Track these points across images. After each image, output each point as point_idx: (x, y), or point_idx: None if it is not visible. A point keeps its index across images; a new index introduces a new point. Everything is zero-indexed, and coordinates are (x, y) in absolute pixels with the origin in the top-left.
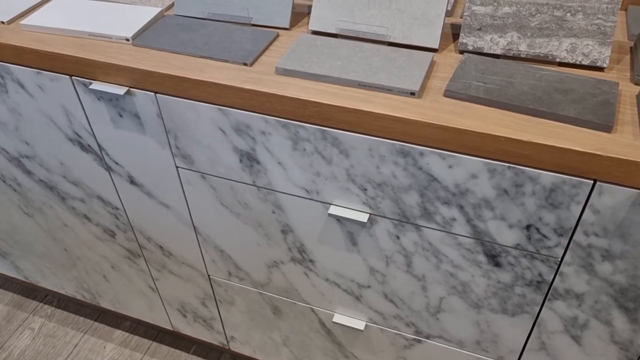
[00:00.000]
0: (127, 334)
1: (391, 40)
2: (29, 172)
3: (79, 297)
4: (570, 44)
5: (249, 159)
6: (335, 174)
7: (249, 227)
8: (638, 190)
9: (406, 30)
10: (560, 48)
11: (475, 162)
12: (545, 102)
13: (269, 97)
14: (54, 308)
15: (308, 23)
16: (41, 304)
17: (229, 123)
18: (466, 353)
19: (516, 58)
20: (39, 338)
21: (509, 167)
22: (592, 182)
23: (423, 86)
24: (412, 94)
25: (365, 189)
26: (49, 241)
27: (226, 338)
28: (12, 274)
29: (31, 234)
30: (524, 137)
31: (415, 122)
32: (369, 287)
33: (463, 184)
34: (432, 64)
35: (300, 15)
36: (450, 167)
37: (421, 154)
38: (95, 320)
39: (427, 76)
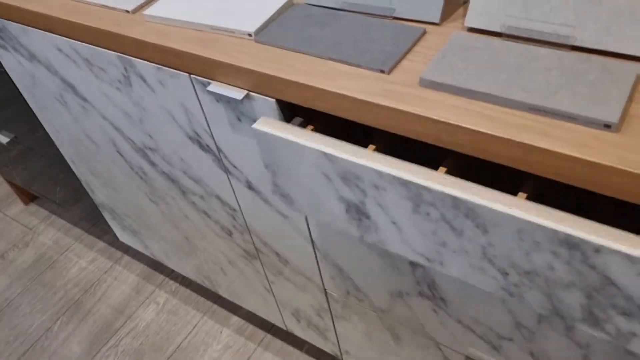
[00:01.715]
0: (243, 321)
1: (579, 44)
2: (152, 164)
3: (199, 282)
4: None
5: (357, 212)
6: (467, 250)
7: (373, 253)
8: None
9: (602, 30)
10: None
11: None
12: None
13: (409, 117)
14: (178, 284)
15: (464, 16)
16: (167, 279)
17: (336, 171)
18: None
19: None
20: (162, 314)
21: None
22: None
23: (624, 115)
24: (608, 126)
25: (507, 274)
26: (172, 228)
27: (340, 350)
28: (141, 249)
29: (156, 219)
30: None
31: (607, 167)
32: (511, 340)
33: None
34: (638, 81)
35: (454, 5)
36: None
37: (596, 250)
38: (215, 303)
39: (631, 99)
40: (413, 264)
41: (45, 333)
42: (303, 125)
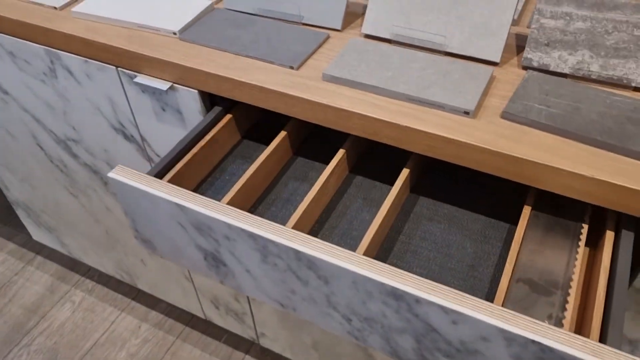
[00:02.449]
0: (162, 315)
1: (448, 50)
2: (74, 155)
3: (117, 277)
4: None
5: (214, 259)
6: (314, 297)
7: None
8: None
9: (465, 40)
10: (637, 72)
11: (486, 325)
12: (616, 133)
13: (313, 105)
14: (95, 283)
15: (361, 25)
16: (83, 277)
17: (189, 220)
18: None
19: (586, 79)
20: (78, 312)
21: (533, 341)
22: None
23: (479, 105)
24: (467, 113)
25: (350, 320)
26: (91, 222)
27: (256, 333)
28: (57, 247)
29: (75, 213)
30: (587, 173)
31: (467, 144)
32: None
33: (470, 343)
34: (491, 79)
35: (353, 15)
36: (454, 322)
37: (417, 301)
38: (133, 299)
39: (485, 93)
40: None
41: None
42: (221, 114)
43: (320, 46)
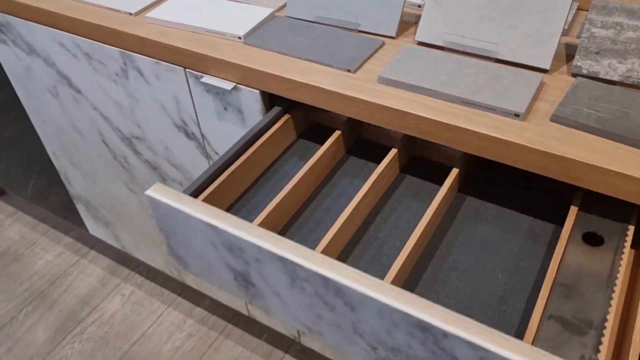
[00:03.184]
0: (206, 312)
1: (499, 57)
2: (137, 152)
3: (167, 272)
4: None
5: (244, 280)
6: (340, 324)
7: None
8: None
9: (516, 48)
10: None
11: None
12: None
13: (370, 106)
14: (143, 278)
15: (415, 33)
16: (133, 272)
17: (221, 241)
18: None
19: (635, 87)
20: (128, 304)
21: None
22: None
23: (529, 108)
24: (517, 115)
25: (376, 348)
26: (147, 217)
27: (298, 331)
28: (111, 242)
29: (132, 209)
30: (636, 174)
31: (516, 145)
32: None
33: None
34: (541, 85)
35: (407, 24)
36: (481, 359)
37: (444, 335)
38: (179, 295)
39: (535, 98)
40: None
41: (10, 321)
42: (281, 114)
43: (375, 52)
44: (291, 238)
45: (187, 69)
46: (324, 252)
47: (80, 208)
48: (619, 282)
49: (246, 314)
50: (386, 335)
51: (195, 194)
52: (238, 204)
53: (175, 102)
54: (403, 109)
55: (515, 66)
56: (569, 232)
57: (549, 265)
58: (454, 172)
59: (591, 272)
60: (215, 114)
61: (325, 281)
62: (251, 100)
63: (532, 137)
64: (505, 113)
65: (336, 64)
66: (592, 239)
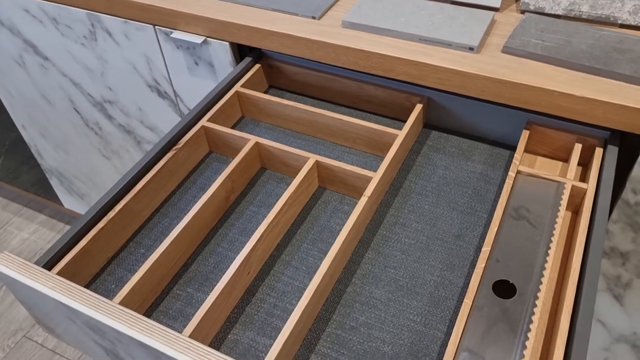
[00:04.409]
0: None
1: None
2: (110, 117)
3: None
4: (634, 5)
5: (116, 357)
6: None
7: None
8: None
9: None
10: (622, 9)
11: None
12: (602, 60)
13: (335, 49)
14: None
15: None
16: None
17: (82, 321)
18: None
19: (577, 19)
20: None
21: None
22: None
23: (482, 42)
24: (471, 49)
25: None
26: None
27: None
28: None
29: (108, 176)
30: (577, 92)
31: (472, 75)
32: None
33: None
34: (493, 22)
35: None
36: None
37: None
38: None
39: (487, 33)
40: None
41: None
42: (250, 65)
43: (338, 0)
44: (173, 302)
45: (156, 26)
46: (201, 324)
47: (53, 182)
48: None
49: None
50: None
51: (55, 259)
52: (121, 255)
53: (146, 61)
54: (367, 49)
55: (470, 7)
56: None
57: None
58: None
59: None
60: (186, 70)
61: None
62: (221, 53)
63: (485, 67)
64: (461, 47)
65: (302, 12)
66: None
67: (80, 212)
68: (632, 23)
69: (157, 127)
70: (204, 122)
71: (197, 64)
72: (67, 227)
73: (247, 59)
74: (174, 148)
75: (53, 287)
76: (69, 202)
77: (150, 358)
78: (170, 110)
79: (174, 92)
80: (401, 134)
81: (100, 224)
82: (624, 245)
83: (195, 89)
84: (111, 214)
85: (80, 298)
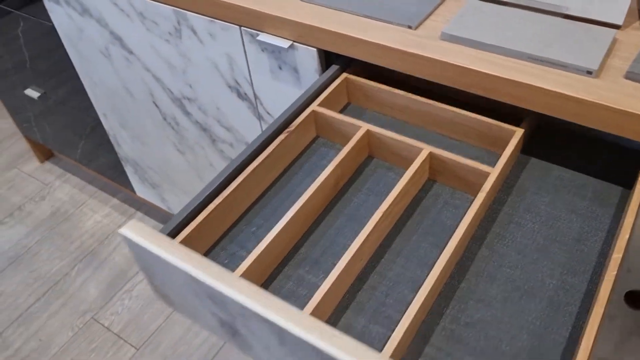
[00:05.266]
0: None
1: (568, 12)
2: (187, 113)
3: None
4: None
5: (231, 328)
6: None
7: None
8: None
9: (587, 2)
10: None
11: None
12: None
13: (432, 63)
14: None
15: None
16: None
17: (204, 292)
18: None
19: None
20: None
21: None
22: None
23: (602, 65)
24: (589, 72)
25: None
26: (194, 178)
27: None
28: (158, 203)
29: (180, 170)
30: None
31: (589, 102)
32: None
33: None
34: (614, 41)
35: None
36: None
37: None
38: None
39: (607, 55)
40: None
41: (64, 277)
42: (338, 72)
43: (437, 7)
44: (284, 282)
45: (242, 27)
46: (319, 306)
47: (128, 170)
48: None
49: None
50: None
51: (178, 229)
52: (233, 231)
53: (229, 61)
54: (466, 66)
55: (585, 22)
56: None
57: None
58: (519, 132)
59: None
60: (269, 74)
61: (317, 352)
62: (307, 59)
63: (606, 94)
64: (577, 70)
65: (396, 20)
66: None
67: (151, 201)
68: None
69: (233, 128)
70: (314, 106)
71: (281, 68)
72: (139, 213)
73: (334, 67)
74: (286, 131)
75: (179, 257)
76: (142, 191)
77: (271, 334)
78: (249, 112)
79: (254, 94)
80: (519, 132)
81: (217, 201)
82: None
83: (276, 93)
84: (226, 192)
85: (205, 270)
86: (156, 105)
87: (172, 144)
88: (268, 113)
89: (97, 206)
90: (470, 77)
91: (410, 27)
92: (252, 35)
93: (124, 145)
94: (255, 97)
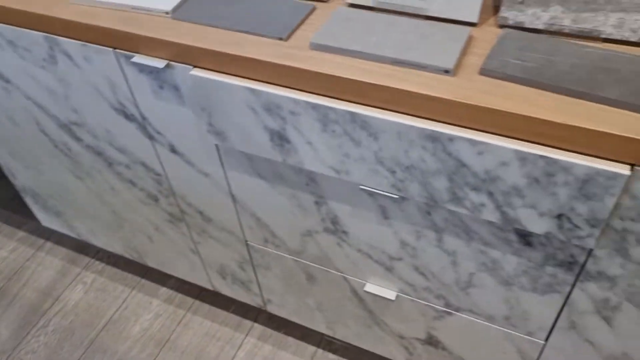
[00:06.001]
0: (171, 291)
1: (429, 14)
2: (78, 139)
3: (127, 255)
4: (618, 19)
5: (279, 138)
6: (364, 156)
7: (284, 198)
8: None
9: (444, 2)
10: (606, 23)
11: (505, 150)
12: (586, 82)
13: (303, 73)
14: (104, 264)
15: None
16: (93, 259)
17: (260, 103)
18: (495, 327)
19: (559, 33)
20: (91, 292)
21: (541, 156)
22: (628, 169)
23: (458, 63)
24: (447, 71)
25: (394, 172)
26: (98, 203)
27: (263, 300)
28: (66, 231)
29: (82, 196)
30: (559, 119)
31: (447, 101)
32: (400, 259)
33: (493, 171)
34: (470, 39)
35: None
36: (479, 153)
37: (450, 139)
38: (143, 277)
39: (464, 53)
40: (318, 203)
41: None
42: None
43: (307, 18)
44: None
45: (116, 50)
46: None
47: (28, 201)
48: None
49: (211, 288)
50: (404, 155)
51: None
52: None
53: (109, 84)
54: (336, 74)
55: (445, 22)
56: None
57: None
58: None
59: None
60: (152, 94)
61: (353, 117)
62: (186, 77)
63: (462, 92)
64: (435, 70)
65: (268, 33)
66: None
67: (59, 230)
68: (617, 37)
69: (126, 149)
70: None
71: (162, 87)
72: (48, 243)
73: None
74: None
75: (241, 79)
76: (47, 220)
77: (317, 121)
78: (139, 133)
79: (141, 114)
80: None
81: None
82: (613, 270)
83: (163, 112)
84: None
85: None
86: (44, 134)
87: (68, 171)
88: (158, 132)
89: (2, 242)
90: (341, 85)
91: (281, 39)
92: (127, 57)
93: (19, 176)
94: (143, 117)
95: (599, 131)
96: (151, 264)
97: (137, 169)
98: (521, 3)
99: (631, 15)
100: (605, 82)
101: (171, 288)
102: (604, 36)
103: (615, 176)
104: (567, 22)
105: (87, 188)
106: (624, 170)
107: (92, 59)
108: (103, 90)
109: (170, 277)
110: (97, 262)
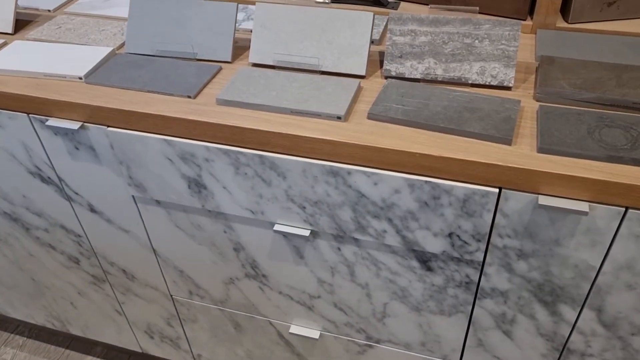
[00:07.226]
0: (98, 359)
1: (323, 69)
2: None
3: (49, 325)
4: (480, 67)
5: (196, 185)
6: (276, 195)
7: (204, 246)
8: (536, 195)
9: (336, 59)
10: (471, 71)
11: (396, 178)
12: (455, 120)
13: (211, 126)
14: (25, 338)
15: (249, 56)
16: (12, 334)
17: (175, 152)
18: (414, 355)
19: (434, 81)
20: None
21: (426, 181)
22: (497, 190)
23: (349, 110)
24: (339, 117)
25: (304, 207)
26: (16, 272)
27: (193, 356)
28: None
29: (1, 267)
30: (435, 153)
31: (340, 143)
32: (319, 297)
33: (388, 199)
34: (359, 89)
35: (242, 48)
36: (375, 184)
37: (349, 172)
38: (67, 347)
39: (354, 101)
40: (236, 249)
41: None
42: None
43: (214, 77)
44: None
45: (30, 115)
46: None
47: None
48: None
49: (140, 351)
50: (311, 191)
51: None
52: None
53: (25, 148)
54: (240, 125)
55: (338, 75)
56: None
57: None
58: None
59: None
60: (68, 155)
61: (262, 160)
62: (100, 137)
63: (352, 134)
64: (329, 117)
65: (177, 91)
66: None
67: None
68: (480, 82)
69: (44, 213)
70: None
71: (77, 148)
72: None
73: None
74: None
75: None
76: None
77: (230, 165)
78: (57, 195)
79: (58, 177)
80: None
81: None
82: (502, 285)
83: (80, 172)
84: None
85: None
86: None
87: None
88: (76, 193)
89: None
90: (246, 134)
91: (189, 97)
92: (41, 121)
93: None
94: (60, 179)
95: (467, 160)
96: (75, 331)
97: (56, 232)
98: (400, 57)
99: (490, 63)
100: (471, 119)
101: (98, 356)
102: (470, 82)
103: (487, 194)
104: (439, 71)
105: (3, 256)
106: (494, 189)
107: (6, 124)
108: (18, 155)
109: (96, 344)
110: (18, 337)
